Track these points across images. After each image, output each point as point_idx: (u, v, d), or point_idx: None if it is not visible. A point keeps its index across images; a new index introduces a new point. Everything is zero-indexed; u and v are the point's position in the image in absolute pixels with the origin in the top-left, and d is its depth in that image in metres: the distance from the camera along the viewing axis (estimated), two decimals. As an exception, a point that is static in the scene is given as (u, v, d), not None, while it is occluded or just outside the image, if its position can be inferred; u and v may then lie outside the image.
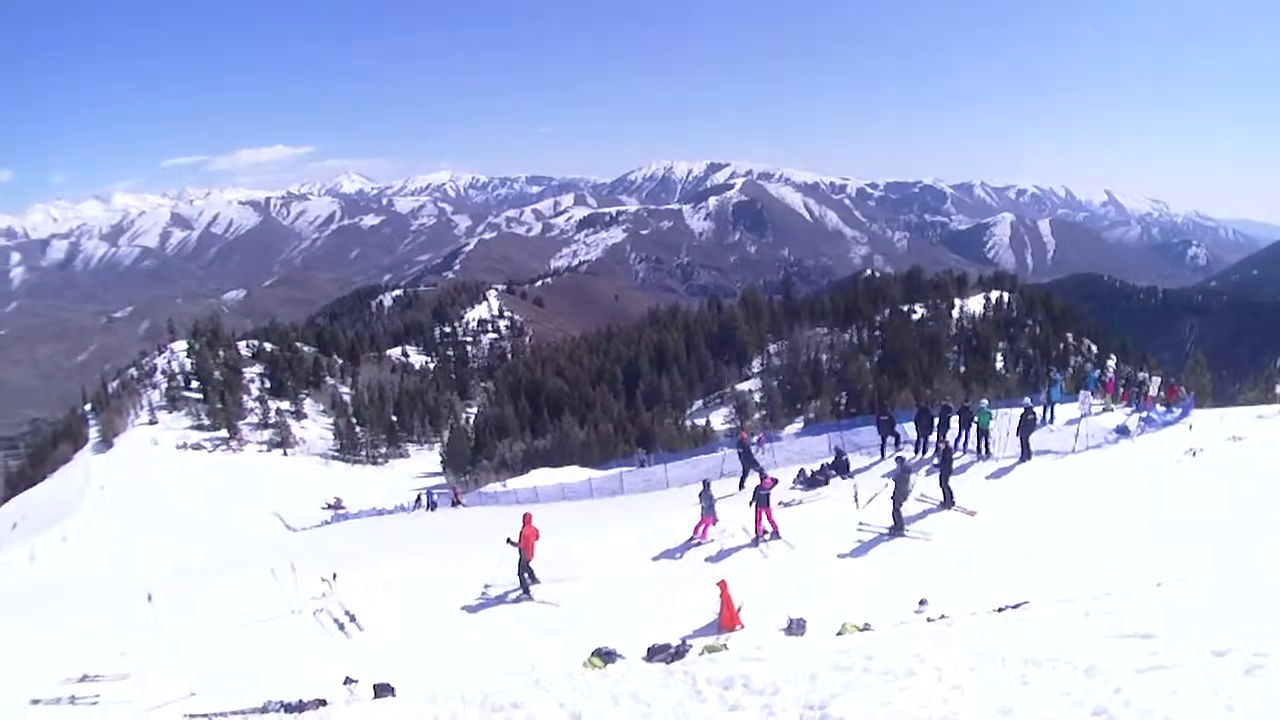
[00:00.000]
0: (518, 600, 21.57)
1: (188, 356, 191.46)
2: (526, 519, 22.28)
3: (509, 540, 21.82)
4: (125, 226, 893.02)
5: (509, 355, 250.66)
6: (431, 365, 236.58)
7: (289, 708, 13.51)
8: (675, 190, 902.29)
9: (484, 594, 22.40)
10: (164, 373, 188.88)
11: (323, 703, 13.56)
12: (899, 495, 22.99)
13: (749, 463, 30.95)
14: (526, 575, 21.85)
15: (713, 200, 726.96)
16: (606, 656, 14.99)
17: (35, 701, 15.79)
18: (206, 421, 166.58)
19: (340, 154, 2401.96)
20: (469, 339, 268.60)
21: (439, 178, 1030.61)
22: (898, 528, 22.95)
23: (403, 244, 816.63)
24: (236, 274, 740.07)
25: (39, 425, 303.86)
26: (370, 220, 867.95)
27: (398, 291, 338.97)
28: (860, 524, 23.97)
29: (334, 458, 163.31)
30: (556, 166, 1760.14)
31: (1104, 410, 34.29)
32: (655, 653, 15.04)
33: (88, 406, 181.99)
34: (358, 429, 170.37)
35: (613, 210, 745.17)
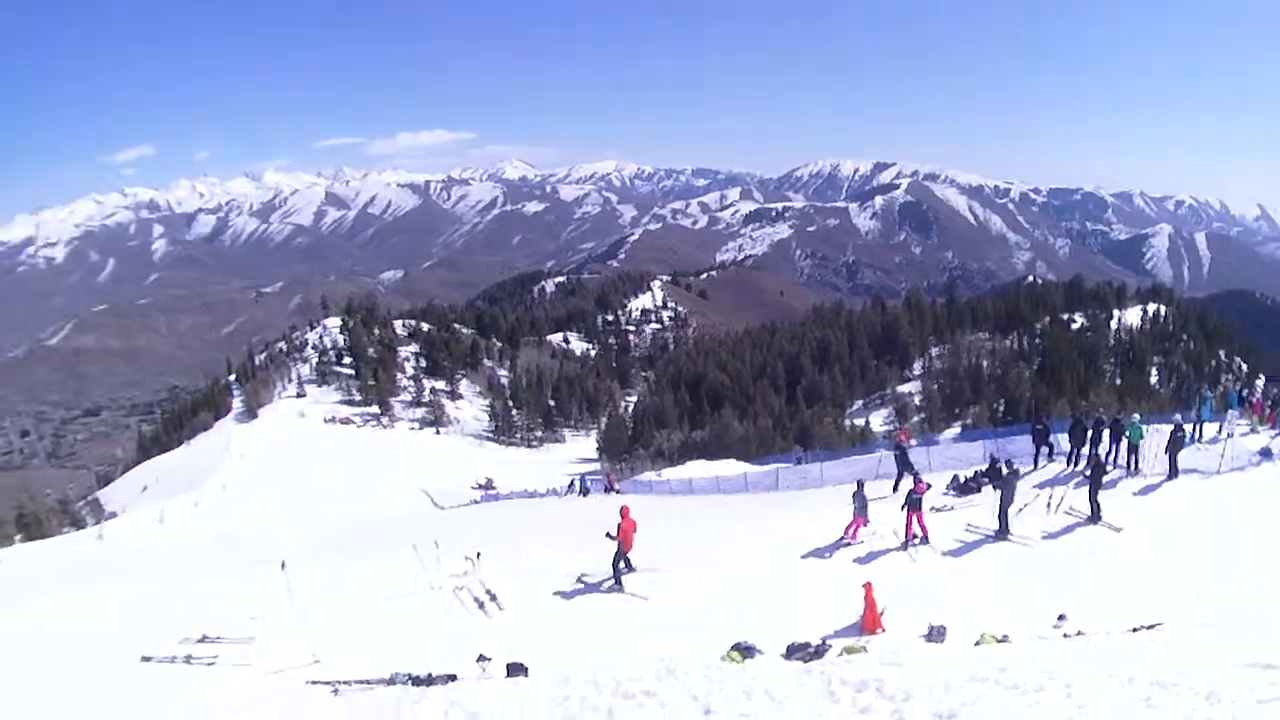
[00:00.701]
0: (609, 590, 21.80)
1: (341, 332, 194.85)
2: (624, 512, 22.52)
3: (608, 534, 22.03)
4: (277, 204, 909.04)
5: (671, 346, 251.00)
6: (593, 352, 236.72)
7: (417, 680, 13.52)
8: (841, 188, 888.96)
9: (580, 582, 22.63)
10: (314, 347, 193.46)
11: (452, 678, 13.58)
12: (1005, 500, 23.20)
13: (904, 466, 30.75)
14: (622, 565, 22.10)
15: (879, 200, 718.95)
16: (746, 651, 14.92)
17: (146, 659, 15.80)
18: (357, 397, 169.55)
19: (502, 140, 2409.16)
20: (631, 328, 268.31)
21: (604, 167, 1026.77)
22: (1003, 531, 23.15)
23: (566, 231, 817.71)
24: (394, 255, 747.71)
25: (178, 393, 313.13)
26: (533, 207, 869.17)
27: (561, 278, 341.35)
28: (968, 525, 24.33)
29: (488, 439, 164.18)
30: (723, 160, 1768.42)
31: (1250, 431, 33.46)
32: (794, 650, 14.94)
33: (232, 377, 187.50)
34: (514, 412, 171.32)
35: (779, 206, 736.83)
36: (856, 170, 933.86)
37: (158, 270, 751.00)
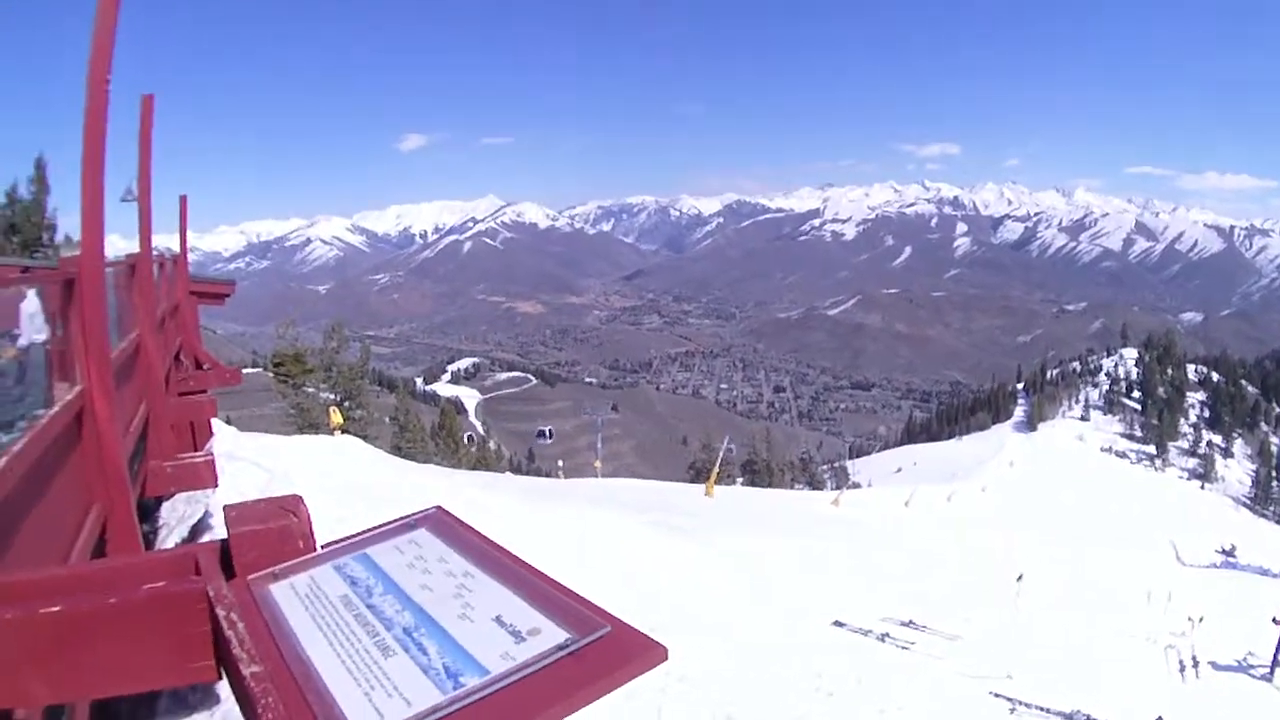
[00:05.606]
0: (1262, 678, 22.08)
1: (1135, 365, 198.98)
2: None
3: (1274, 619, 22.65)
4: (1087, 224, 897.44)
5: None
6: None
7: (1093, 722, 13.26)
8: None
9: (1243, 663, 22.70)
10: (1107, 375, 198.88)
11: (1130, 727, 13.51)
12: None
13: None
14: None
15: None
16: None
17: (838, 625, 16.60)
18: (1138, 433, 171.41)
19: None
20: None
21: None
22: None
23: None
24: (1193, 296, 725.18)
25: (959, 389, 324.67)
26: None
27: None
28: None
29: (1244, 505, 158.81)
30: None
31: None
32: None
33: (1020, 385, 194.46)
34: (1274, 483, 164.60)
35: None
36: None
37: (957, 267, 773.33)
